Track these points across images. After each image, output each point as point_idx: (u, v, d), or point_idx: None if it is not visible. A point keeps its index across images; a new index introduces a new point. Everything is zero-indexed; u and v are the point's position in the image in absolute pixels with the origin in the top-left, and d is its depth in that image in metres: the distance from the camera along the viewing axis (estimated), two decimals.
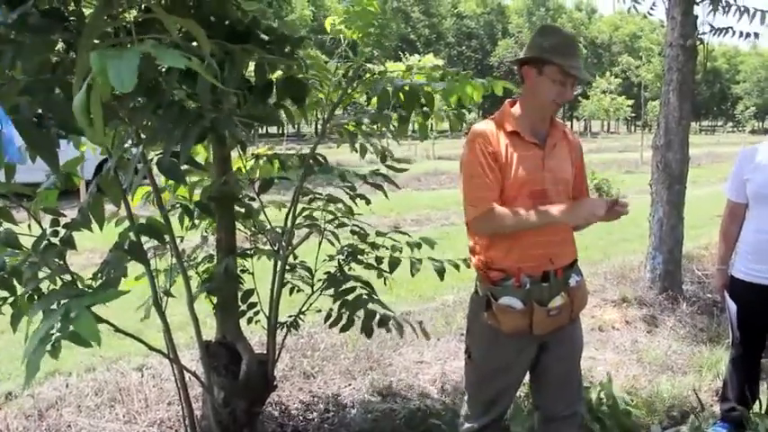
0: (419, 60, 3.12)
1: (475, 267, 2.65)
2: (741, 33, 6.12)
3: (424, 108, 3.02)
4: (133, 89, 2.04)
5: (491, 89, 3.03)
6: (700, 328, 5.40)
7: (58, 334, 1.75)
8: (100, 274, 2.46)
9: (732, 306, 3.52)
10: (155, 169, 2.36)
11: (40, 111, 2.02)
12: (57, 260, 2.34)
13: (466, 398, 2.83)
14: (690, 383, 4.34)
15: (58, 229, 2.44)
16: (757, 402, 3.62)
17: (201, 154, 3.19)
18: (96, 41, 2.06)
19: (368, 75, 2.86)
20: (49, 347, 1.73)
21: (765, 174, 3.33)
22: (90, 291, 2.16)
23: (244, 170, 3.12)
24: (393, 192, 3.21)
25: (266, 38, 2.52)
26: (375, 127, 3.17)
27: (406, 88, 2.82)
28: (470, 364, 2.75)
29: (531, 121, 2.53)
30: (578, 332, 2.76)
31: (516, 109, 2.58)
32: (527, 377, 2.81)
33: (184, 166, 2.33)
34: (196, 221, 3.13)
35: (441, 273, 3.13)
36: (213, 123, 2.09)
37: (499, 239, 2.52)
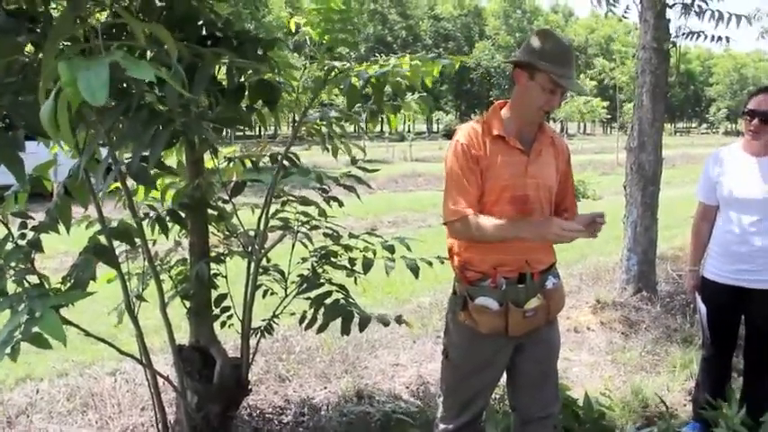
0: (399, 58, 3.10)
1: (453, 267, 2.66)
2: (713, 37, 6.17)
3: (396, 99, 3.02)
4: None
5: (451, 68, 3.02)
6: (673, 329, 5.45)
7: (19, 336, 1.72)
8: (69, 277, 2.43)
9: (703, 307, 3.56)
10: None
11: (5, 113, 1.99)
12: (23, 262, 2.30)
13: (441, 399, 2.82)
14: (663, 383, 4.38)
15: (26, 231, 2.41)
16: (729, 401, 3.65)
17: (173, 157, 3.16)
18: (66, 44, 2.04)
19: (333, 73, 2.85)
20: (8, 350, 1.70)
21: (736, 176, 3.36)
22: (56, 292, 2.13)
23: (216, 170, 3.10)
24: (370, 194, 3.21)
25: (238, 40, 2.51)
26: (352, 128, 3.17)
27: (373, 80, 2.81)
28: (447, 365, 2.75)
29: (519, 126, 2.52)
30: (555, 334, 2.76)
31: (505, 111, 2.56)
32: (504, 379, 2.82)
33: (154, 170, 2.32)
34: (168, 225, 3.11)
35: (415, 271, 3.11)
36: (183, 127, 2.08)
37: (476, 241, 2.53)
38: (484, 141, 2.49)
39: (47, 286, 2.34)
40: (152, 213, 2.90)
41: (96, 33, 1.73)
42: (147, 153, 2.07)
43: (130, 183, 2.71)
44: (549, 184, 2.58)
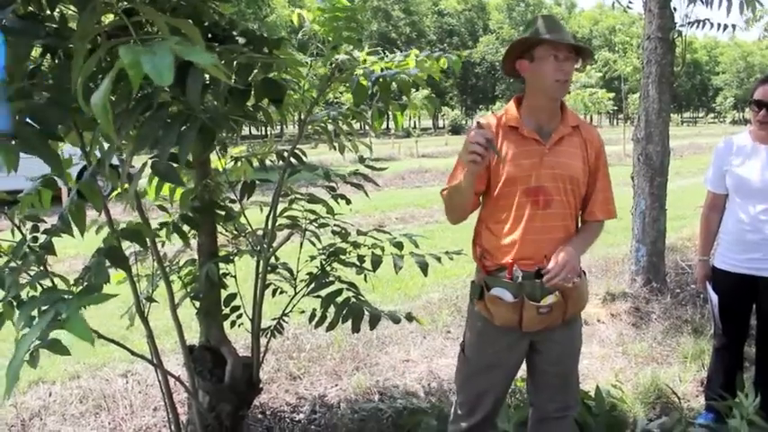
0: (405, 57, 3.09)
1: (473, 256, 2.65)
2: (719, 25, 6.14)
3: (403, 98, 3.02)
4: (119, 92, 2.04)
5: (457, 64, 3.03)
6: (684, 320, 5.43)
7: (38, 342, 1.73)
8: (81, 280, 2.44)
9: (714, 297, 3.55)
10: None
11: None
12: (36, 266, 2.31)
13: (455, 398, 2.83)
14: (675, 374, 4.37)
15: (38, 235, 2.42)
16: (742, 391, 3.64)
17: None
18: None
19: (340, 71, 2.85)
20: (27, 357, 1.71)
21: (745, 164, 3.35)
22: (74, 294, 2.14)
23: (224, 170, 3.11)
24: (377, 190, 3.21)
25: (244, 40, 2.51)
26: (360, 125, 3.17)
27: (381, 80, 2.81)
28: (462, 360, 2.75)
29: (536, 117, 2.48)
30: (573, 335, 2.69)
31: (524, 103, 2.53)
32: (525, 374, 2.81)
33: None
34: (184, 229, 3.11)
35: (424, 269, 3.11)
36: (207, 124, 2.07)
37: (495, 232, 2.53)
38: (496, 134, 2.48)
39: (66, 288, 2.35)
40: (168, 220, 2.92)
41: (108, 35, 1.74)
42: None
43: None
44: (572, 174, 2.48)
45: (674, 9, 5.90)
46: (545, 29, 2.38)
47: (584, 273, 2.63)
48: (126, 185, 2.54)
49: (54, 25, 2.12)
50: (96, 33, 1.80)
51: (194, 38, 1.44)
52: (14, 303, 2.24)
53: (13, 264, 2.29)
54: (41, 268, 2.35)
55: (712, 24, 6.09)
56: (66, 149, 2.50)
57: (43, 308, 1.89)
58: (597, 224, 2.61)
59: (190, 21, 2.32)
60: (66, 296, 1.95)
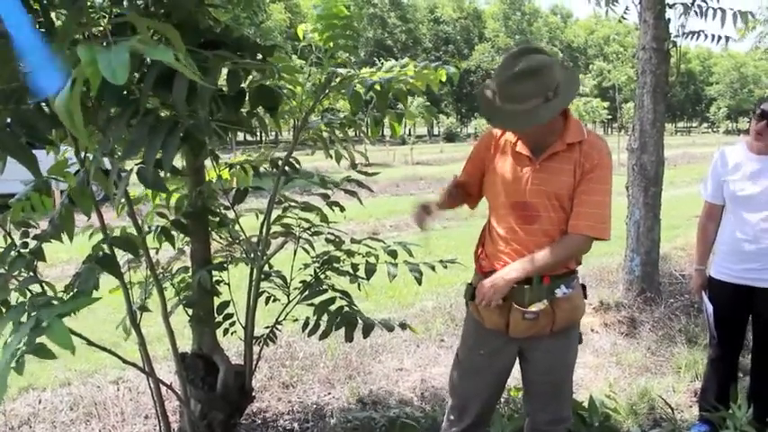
0: (403, 65, 3.08)
1: (474, 256, 2.69)
2: (713, 37, 6.16)
3: (398, 106, 3.02)
4: (108, 97, 2.03)
5: (455, 76, 3.03)
6: (678, 329, 5.42)
7: (23, 347, 1.71)
8: (71, 286, 2.42)
9: (709, 306, 3.54)
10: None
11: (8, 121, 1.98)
12: (26, 271, 2.30)
13: (447, 403, 2.85)
14: (669, 385, 4.36)
15: (28, 240, 2.40)
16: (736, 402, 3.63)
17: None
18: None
19: (338, 79, 2.85)
20: (13, 363, 1.69)
21: (742, 175, 3.35)
22: (60, 301, 2.12)
23: (218, 177, 3.09)
24: (372, 197, 3.19)
25: (238, 46, 2.49)
26: (354, 132, 3.17)
27: (377, 87, 2.80)
28: (455, 362, 2.78)
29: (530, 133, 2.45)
30: (563, 346, 2.62)
31: None
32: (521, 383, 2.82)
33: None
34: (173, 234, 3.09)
35: (419, 279, 3.10)
36: (190, 130, 2.06)
37: (492, 237, 2.57)
38: (496, 145, 2.55)
39: (53, 294, 2.34)
40: (158, 225, 2.91)
41: (93, 36, 1.73)
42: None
43: (131, 190, 2.70)
44: (557, 191, 2.42)
45: (669, 20, 5.92)
46: (498, 89, 2.34)
47: (584, 286, 2.65)
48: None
49: (42, 30, 2.11)
50: (82, 35, 1.79)
51: (175, 42, 1.43)
52: (2, 309, 2.23)
53: (0, 269, 2.27)
54: (31, 274, 2.33)
55: (707, 36, 6.11)
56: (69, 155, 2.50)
57: (22, 316, 1.88)
58: (576, 237, 2.42)
59: (175, 25, 2.32)
60: (53, 302, 1.93)
